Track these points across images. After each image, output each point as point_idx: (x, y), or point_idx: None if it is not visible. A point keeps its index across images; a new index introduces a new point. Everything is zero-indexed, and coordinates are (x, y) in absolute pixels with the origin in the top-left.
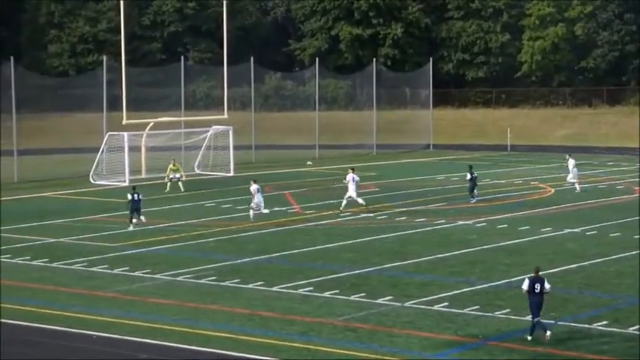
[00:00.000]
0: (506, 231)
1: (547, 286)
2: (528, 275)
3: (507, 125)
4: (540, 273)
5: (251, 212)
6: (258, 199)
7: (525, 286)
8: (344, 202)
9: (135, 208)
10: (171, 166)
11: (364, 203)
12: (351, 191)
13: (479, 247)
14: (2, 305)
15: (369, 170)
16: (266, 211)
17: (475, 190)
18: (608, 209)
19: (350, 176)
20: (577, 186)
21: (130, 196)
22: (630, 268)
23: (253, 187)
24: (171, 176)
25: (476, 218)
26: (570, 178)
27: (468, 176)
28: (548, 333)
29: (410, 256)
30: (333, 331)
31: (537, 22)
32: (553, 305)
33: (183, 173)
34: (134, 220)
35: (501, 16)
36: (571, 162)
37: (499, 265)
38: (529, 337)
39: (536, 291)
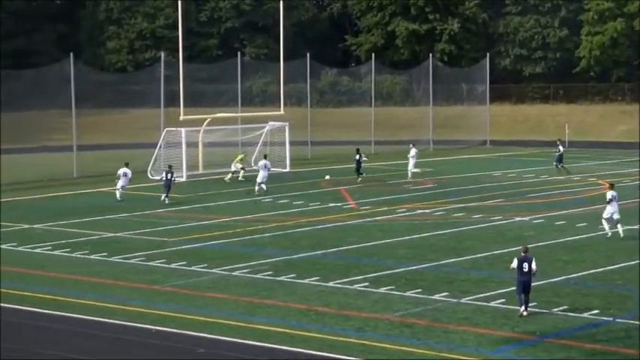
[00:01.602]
0: (564, 227)
1: (534, 266)
2: (518, 254)
3: (565, 121)
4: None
5: (256, 187)
6: (263, 174)
7: (514, 264)
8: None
9: (165, 185)
10: (240, 156)
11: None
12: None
13: (536, 244)
14: (62, 298)
15: (426, 166)
16: (264, 186)
17: (362, 172)
18: None
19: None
20: (410, 173)
21: (164, 174)
22: None
23: (261, 162)
24: (233, 168)
25: (533, 215)
26: (411, 167)
27: (356, 157)
28: (523, 309)
29: (466, 253)
30: (388, 327)
31: (596, 17)
32: (612, 302)
33: (244, 167)
34: (163, 196)
35: (559, 11)
36: (412, 151)
37: (556, 261)
38: (522, 311)
39: (524, 270)
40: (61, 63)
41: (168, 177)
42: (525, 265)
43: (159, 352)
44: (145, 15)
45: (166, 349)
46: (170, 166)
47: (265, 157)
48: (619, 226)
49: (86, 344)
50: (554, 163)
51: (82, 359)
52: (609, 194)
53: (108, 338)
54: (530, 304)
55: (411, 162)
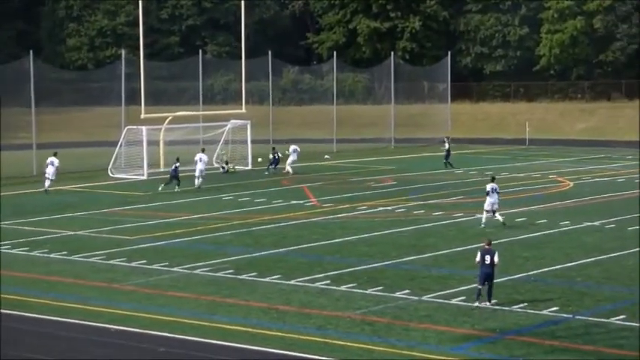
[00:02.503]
0: (525, 224)
1: (496, 259)
2: (481, 246)
3: (526, 119)
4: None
5: (196, 181)
6: (199, 167)
7: (478, 257)
8: None
9: (173, 175)
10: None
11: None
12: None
13: (497, 241)
14: (22, 298)
15: (388, 164)
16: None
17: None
18: (627, 203)
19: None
20: (289, 168)
21: (173, 166)
22: None
23: (197, 156)
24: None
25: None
26: (289, 163)
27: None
28: (488, 303)
29: (427, 250)
30: (350, 325)
31: (556, 15)
32: (571, 299)
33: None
34: (161, 185)
35: (520, 10)
36: (291, 148)
37: (517, 258)
38: (475, 304)
39: (486, 262)
40: (20, 61)
41: (177, 167)
42: (487, 258)
43: (119, 351)
44: (105, 12)
45: (127, 348)
46: (178, 159)
47: (203, 151)
48: (497, 214)
49: (45, 344)
50: (444, 161)
51: (39, 358)
52: (489, 186)
53: (67, 337)
54: (490, 302)
55: (291, 158)
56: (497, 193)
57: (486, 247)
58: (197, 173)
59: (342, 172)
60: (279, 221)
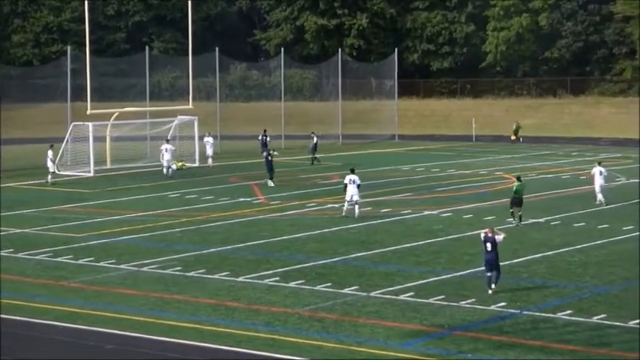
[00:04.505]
0: (472, 221)
1: (498, 238)
2: (483, 231)
3: (472, 115)
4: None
5: (164, 170)
6: (167, 157)
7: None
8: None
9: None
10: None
11: None
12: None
13: (444, 237)
14: None
15: (335, 160)
16: (174, 166)
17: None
18: (572, 199)
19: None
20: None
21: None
22: (594, 258)
23: (163, 146)
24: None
25: (441, 208)
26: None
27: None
28: (493, 286)
29: (375, 246)
30: (298, 322)
31: (502, 12)
32: (518, 295)
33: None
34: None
35: (466, 7)
36: (208, 140)
37: (464, 255)
38: (490, 291)
39: (488, 249)
40: None
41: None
42: (489, 245)
43: (66, 348)
44: (51, 8)
45: (74, 345)
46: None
47: (168, 141)
48: (357, 207)
49: None
50: (310, 155)
51: None
52: (347, 178)
53: (12, 335)
54: (437, 297)
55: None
56: (357, 184)
57: (489, 234)
58: (165, 164)
59: (290, 169)
60: (227, 219)
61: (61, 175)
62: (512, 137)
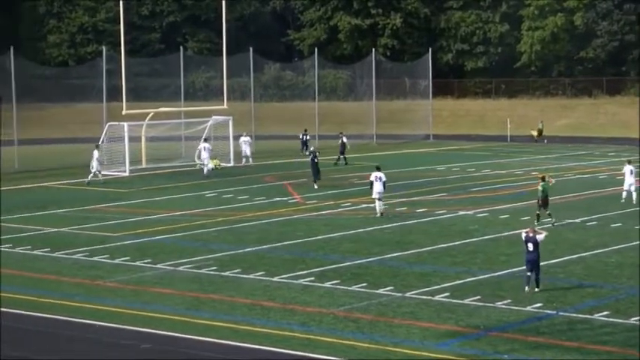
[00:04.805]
0: (508, 221)
1: (540, 237)
2: (524, 231)
3: (507, 115)
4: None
5: (204, 169)
6: (204, 155)
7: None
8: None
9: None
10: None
11: None
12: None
13: (480, 238)
14: (4, 295)
15: (370, 160)
16: (211, 165)
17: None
18: (609, 200)
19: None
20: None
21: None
22: (631, 259)
23: (202, 145)
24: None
25: (477, 208)
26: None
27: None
28: (532, 288)
29: (411, 247)
30: (333, 322)
31: (536, 12)
32: (554, 296)
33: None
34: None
35: (500, 6)
36: (246, 140)
37: (501, 255)
38: (526, 288)
39: (529, 249)
40: (0, 57)
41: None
42: (530, 245)
43: (102, 348)
44: (86, 8)
45: (110, 344)
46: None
47: (206, 140)
48: (380, 202)
49: (28, 341)
50: (340, 156)
51: (22, 355)
52: (373, 176)
53: (50, 334)
54: (472, 298)
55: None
56: (383, 181)
57: (529, 234)
58: (204, 162)
59: (324, 169)
60: (263, 218)
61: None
62: (535, 134)
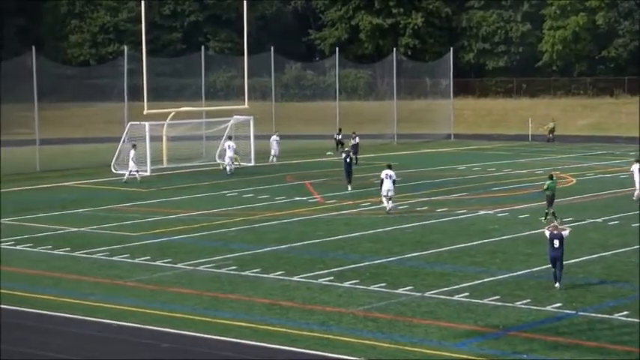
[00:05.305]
0: (528, 221)
1: (565, 233)
2: (549, 227)
3: (528, 115)
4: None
5: (227, 168)
6: (229, 154)
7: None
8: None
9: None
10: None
11: None
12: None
13: (500, 237)
14: (25, 294)
15: (391, 160)
16: (237, 164)
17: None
18: (630, 199)
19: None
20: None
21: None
22: None
23: (227, 143)
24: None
25: (497, 208)
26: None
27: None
28: (557, 285)
29: (431, 246)
30: (353, 321)
31: (558, 11)
32: (574, 295)
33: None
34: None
35: (522, 6)
36: (276, 139)
37: (520, 255)
38: (557, 285)
39: (555, 246)
40: (22, 57)
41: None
42: (556, 242)
43: (121, 347)
44: (107, 8)
45: (129, 344)
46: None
47: (230, 138)
48: (390, 202)
49: (48, 340)
50: (352, 156)
51: (42, 354)
52: (384, 173)
53: (70, 334)
54: (491, 298)
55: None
56: (393, 179)
57: (554, 231)
58: (227, 161)
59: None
60: (283, 218)
61: (118, 174)
62: (546, 129)
